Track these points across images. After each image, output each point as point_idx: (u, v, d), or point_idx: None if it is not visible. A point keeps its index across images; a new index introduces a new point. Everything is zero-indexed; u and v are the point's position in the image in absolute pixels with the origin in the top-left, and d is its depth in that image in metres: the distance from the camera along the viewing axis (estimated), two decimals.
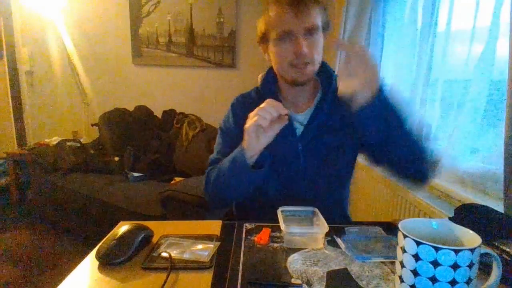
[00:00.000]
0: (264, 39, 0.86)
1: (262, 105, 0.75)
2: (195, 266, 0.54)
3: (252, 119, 0.75)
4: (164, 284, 0.49)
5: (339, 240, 0.64)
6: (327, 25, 0.85)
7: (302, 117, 0.90)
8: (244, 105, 0.94)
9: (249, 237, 0.65)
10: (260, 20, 0.86)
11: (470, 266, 0.40)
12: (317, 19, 0.80)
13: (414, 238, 0.41)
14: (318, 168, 0.89)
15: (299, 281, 0.50)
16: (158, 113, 2.92)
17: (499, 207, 0.89)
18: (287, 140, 0.88)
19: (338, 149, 0.89)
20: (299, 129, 0.90)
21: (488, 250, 0.42)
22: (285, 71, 0.85)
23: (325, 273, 0.52)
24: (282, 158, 0.88)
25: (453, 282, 0.40)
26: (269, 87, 0.93)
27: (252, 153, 0.78)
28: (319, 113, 0.89)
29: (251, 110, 0.83)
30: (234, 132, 0.91)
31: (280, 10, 0.80)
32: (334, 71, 0.93)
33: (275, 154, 0.84)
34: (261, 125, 0.73)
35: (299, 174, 0.88)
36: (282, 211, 0.68)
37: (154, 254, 0.58)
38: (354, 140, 0.88)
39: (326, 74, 0.92)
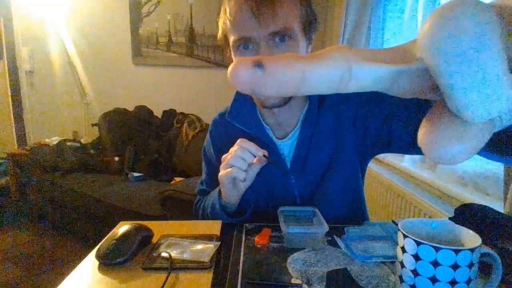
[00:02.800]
0: (227, 42, 0.69)
1: (234, 149, 0.65)
2: (195, 266, 0.54)
3: (225, 169, 0.65)
4: (164, 284, 0.49)
5: (339, 240, 0.64)
6: (310, 24, 0.67)
7: (289, 143, 0.77)
8: (222, 128, 0.83)
9: (249, 237, 0.65)
10: (220, 16, 0.69)
11: (470, 266, 0.40)
12: (290, 19, 0.62)
13: (414, 238, 0.41)
14: (317, 199, 0.75)
15: (299, 281, 0.50)
16: (158, 113, 2.92)
17: (499, 207, 0.89)
18: (276, 176, 0.75)
19: (338, 160, 0.75)
20: (288, 157, 0.76)
21: (488, 250, 0.42)
22: None
23: (325, 273, 0.52)
24: (272, 197, 0.75)
25: (453, 282, 0.40)
26: (243, 114, 0.78)
27: (231, 202, 0.71)
28: (307, 134, 0.74)
29: (230, 133, 0.74)
30: (214, 162, 0.82)
31: (236, 9, 0.62)
32: None
33: (262, 194, 0.74)
34: (237, 178, 0.65)
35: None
36: (282, 211, 0.68)
37: (154, 254, 0.58)
38: (357, 141, 0.75)
39: None
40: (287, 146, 0.77)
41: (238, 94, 0.80)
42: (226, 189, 0.69)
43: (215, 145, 0.84)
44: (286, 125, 0.77)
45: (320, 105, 0.75)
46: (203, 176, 0.89)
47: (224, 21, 0.67)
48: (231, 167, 0.65)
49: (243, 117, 0.78)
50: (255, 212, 0.75)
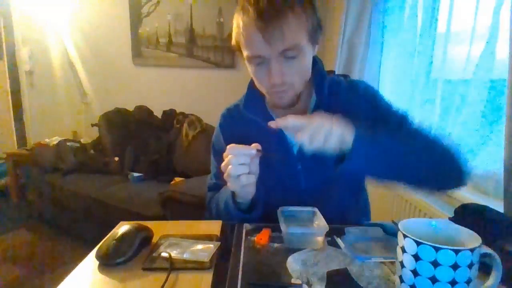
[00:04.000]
0: (238, 47, 0.74)
1: (228, 159, 0.65)
2: (195, 266, 0.54)
3: (230, 179, 0.66)
4: (164, 285, 0.49)
5: (339, 240, 0.64)
6: (316, 31, 0.71)
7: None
8: (232, 122, 0.87)
9: (249, 237, 0.65)
10: (234, 22, 0.72)
11: (470, 266, 0.40)
12: (298, 36, 0.66)
13: (414, 238, 0.41)
14: (322, 187, 0.79)
15: (299, 281, 0.50)
16: (158, 113, 2.92)
17: (499, 207, 0.89)
18: (284, 162, 0.79)
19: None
20: (296, 145, 0.80)
21: (488, 250, 0.42)
22: (264, 93, 0.77)
23: (325, 273, 0.52)
24: (280, 183, 0.78)
25: (453, 282, 0.40)
26: (255, 106, 0.83)
27: (245, 198, 0.72)
28: None
29: (240, 126, 0.78)
30: None
31: (247, 28, 0.67)
32: (327, 72, 0.84)
33: (270, 182, 0.76)
34: (248, 184, 0.66)
35: (301, 197, 0.77)
36: (282, 211, 0.68)
37: (154, 254, 0.58)
38: None
39: (318, 74, 0.81)
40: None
41: (249, 88, 0.85)
42: (239, 193, 0.70)
43: (226, 136, 0.85)
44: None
45: (331, 98, 0.79)
46: (213, 170, 0.90)
47: (237, 32, 0.71)
48: (236, 177, 0.66)
49: (254, 108, 0.83)
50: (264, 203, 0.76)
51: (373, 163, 0.63)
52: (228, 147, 0.66)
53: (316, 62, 0.81)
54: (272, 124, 0.63)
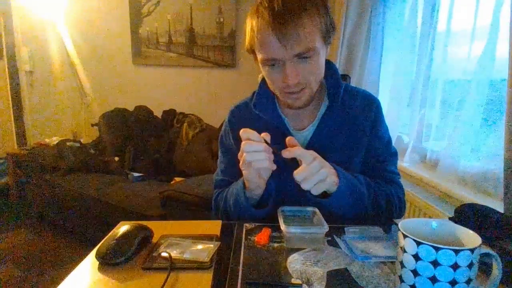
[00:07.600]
0: (252, 50, 0.74)
1: (242, 147, 0.66)
2: (195, 266, 0.54)
3: (246, 167, 0.67)
4: (164, 284, 0.49)
5: (339, 240, 0.64)
6: (329, 32, 0.71)
7: (304, 135, 0.81)
8: (241, 118, 0.87)
9: (249, 237, 0.65)
10: (247, 25, 0.72)
11: (470, 266, 0.40)
12: (312, 38, 0.66)
13: (414, 238, 0.41)
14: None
15: (299, 281, 0.50)
16: (158, 113, 2.92)
17: (499, 207, 0.89)
18: (287, 166, 0.74)
19: (347, 166, 0.76)
20: (303, 145, 0.80)
21: (488, 250, 0.42)
22: (278, 95, 0.77)
23: (325, 273, 0.52)
24: (284, 186, 0.77)
25: (453, 282, 0.40)
26: (265, 105, 0.83)
27: (256, 193, 0.72)
28: (323, 129, 0.80)
29: (249, 122, 0.77)
30: (234, 149, 0.83)
31: (262, 31, 0.67)
32: (340, 77, 0.84)
33: (277, 184, 0.76)
34: (265, 168, 0.66)
35: (308, 202, 0.73)
36: (282, 211, 0.68)
37: (154, 254, 0.58)
38: (362, 154, 0.82)
39: (333, 79, 0.81)
40: (302, 138, 0.82)
41: (260, 88, 0.85)
42: (252, 183, 0.70)
43: (235, 132, 0.85)
44: (304, 118, 0.83)
45: (343, 106, 0.80)
46: (220, 166, 0.90)
47: (251, 35, 0.71)
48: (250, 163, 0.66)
49: (265, 108, 0.83)
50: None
51: (341, 209, 0.72)
52: (241, 131, 0.66)
53: (331, 66, 0.82)
54: (283, 153, 0.65)
